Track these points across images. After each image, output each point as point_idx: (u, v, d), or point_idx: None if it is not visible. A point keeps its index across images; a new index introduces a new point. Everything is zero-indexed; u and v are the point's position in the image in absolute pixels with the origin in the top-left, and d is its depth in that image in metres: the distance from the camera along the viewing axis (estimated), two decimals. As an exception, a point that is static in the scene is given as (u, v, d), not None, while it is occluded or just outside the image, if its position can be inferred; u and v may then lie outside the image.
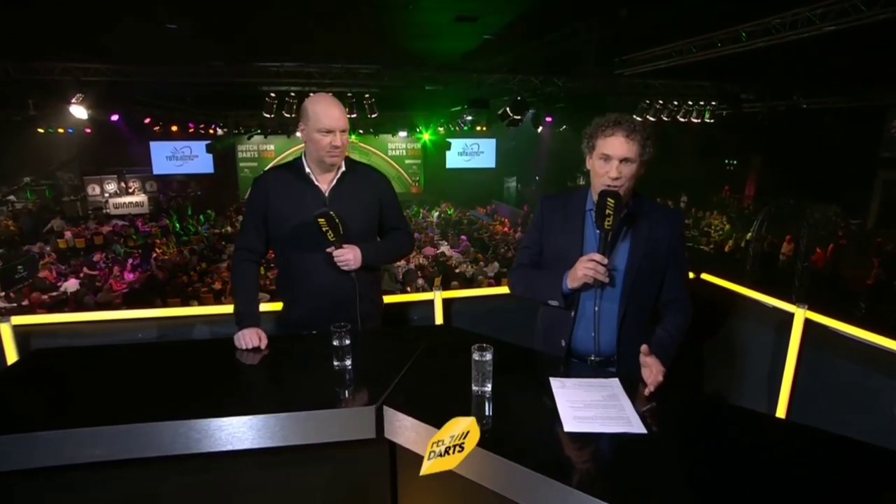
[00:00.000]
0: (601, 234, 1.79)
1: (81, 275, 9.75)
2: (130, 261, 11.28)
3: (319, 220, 1.98)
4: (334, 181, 2.16)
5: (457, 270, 11.14)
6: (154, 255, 11.80)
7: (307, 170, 2.15)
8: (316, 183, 2.15)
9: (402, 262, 11.39)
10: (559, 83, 10.42)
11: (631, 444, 1.40)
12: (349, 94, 10.44)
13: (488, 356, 1.54)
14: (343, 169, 2.18)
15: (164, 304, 8.10)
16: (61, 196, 17.59)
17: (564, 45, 9.49)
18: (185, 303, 8.39)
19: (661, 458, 1.38)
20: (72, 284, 9.29)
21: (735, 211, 16.58)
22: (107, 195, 17.47)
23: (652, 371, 1.69)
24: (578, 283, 1.83)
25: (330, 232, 2.00)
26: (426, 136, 18.57)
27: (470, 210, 19.44)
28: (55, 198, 17.56)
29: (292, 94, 10.53)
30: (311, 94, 2.17)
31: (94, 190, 17.40)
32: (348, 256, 2.06)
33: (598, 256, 1.77)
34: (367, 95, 10.56)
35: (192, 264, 11.06)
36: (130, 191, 18.23)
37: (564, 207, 2.00)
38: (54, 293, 8.92)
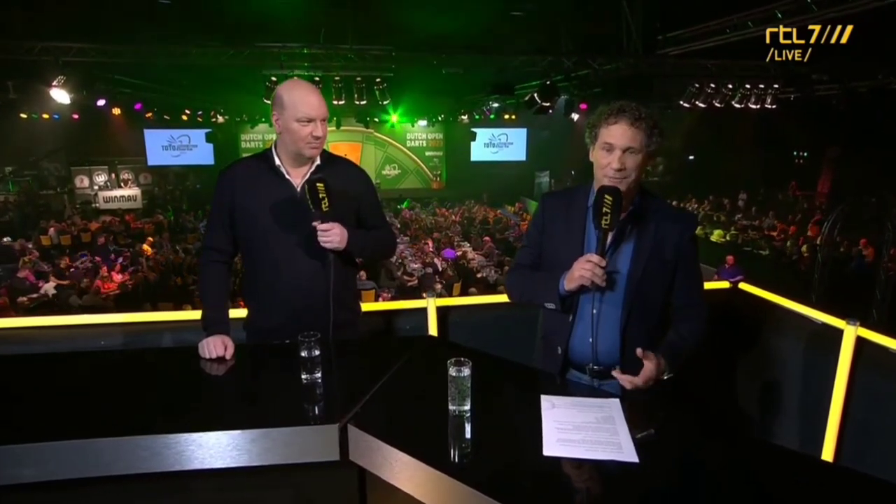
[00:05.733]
0: (599, 234, 1.82)
1: (51, 280, 10.00)
2: (120, 260, 11.57)
3: (318, 184, 1.97)
4: (308, 175, 2.17)
5: (479, 275, 11.15)
6: (144, 254, 12.06)
7: (277, 162, 2.17)
8: (287, 177, 2.17)
9: (419, 265, 11.47)
10: (595, 65, 10.32)
11: (619, 476, 1.37)
12: (358, 79, 10.52)
13: (466, 372, 1.53)
14: (318, 163, 2.20)
15: (154, 308, 8.29)
16: (46, 188, 18.08)
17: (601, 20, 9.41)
18: (177, 307, 8.59)
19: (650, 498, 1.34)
20: (48, 285, 9.58)
21: (804, 210, 16.18)
22: (96, 188, 17.95)
23: (644, 371, 1.78)
24: (575, 284, 1.86)
25: (326, 199, 1.99)
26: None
27: (498, 208, 19.41)
28: (39, 190, 18.05)
29: (295, 78, 10.67)
30: (287, 81, 2.19)
31: (82, 182, 17.90)
32: (336, 231, 2.05)
33: (595, 257, 1.80)
34: (377, 80, 10.62)
35: (186, 264, 11.30)
36: (122, 183, 18.70)
37: (567, 207, 2.04)
38: (34, 295, 9.21)
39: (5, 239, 12.36)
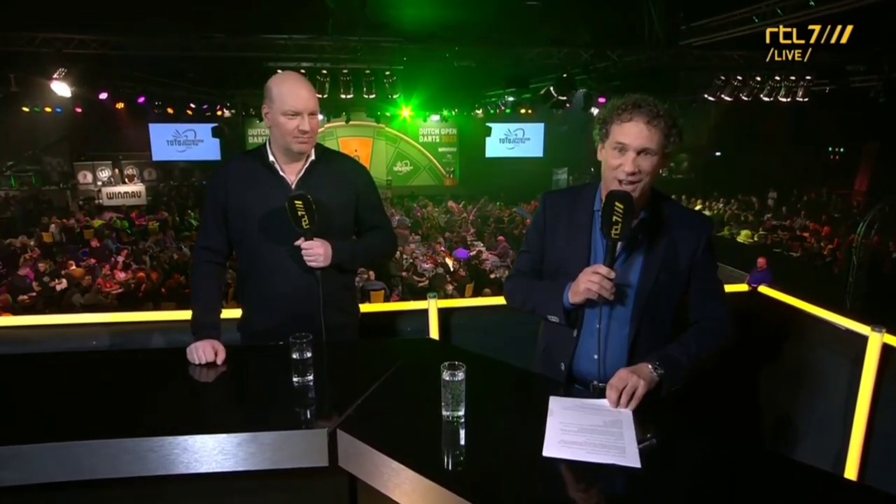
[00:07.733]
0: (608, 244, 1.75)
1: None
2: (121, 258, 11.69)
3: (296, 202, 1.99)
4: (302, 171, 2.19)
5: (492, 276, 11.12)
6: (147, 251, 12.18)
7: (271, 158, 2.19)
8: (281, 173, 2.19)
9: (430, 265, 11.48)
10: (614, 57, 10.23)
11: (617, 482, 1.37)
12: (367, 72, 10.56)
13: (460, 376, 1.53)
14: (313, 158, 2.21)
15: (157, 308, 8.39)
16: (49, 183, 18.34)
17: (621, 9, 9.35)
18: (180, 306, 8.66)
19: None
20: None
21: (839, 210, 15.95)
22: (100, 183, 18.17)
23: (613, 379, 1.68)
24: (580, 297, 1.80)
25: (306, 218, 2.00)
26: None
27: (512, 206, 19.32)
28: (42, 185, 18.31)
29: (302, 70, 10.74)
30: (280, 73, 2.21)
31: (85, 177, 18.13)
32: (318, 251, 2.07)
33: (603, 269, 1.73)
34: (387, 73, 10.65)
35: (191, 263, 11.37)
36: (127, 179, 18.90)
37: (570, 208, 1.98)
38: (34, 293, 9.36)
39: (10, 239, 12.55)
